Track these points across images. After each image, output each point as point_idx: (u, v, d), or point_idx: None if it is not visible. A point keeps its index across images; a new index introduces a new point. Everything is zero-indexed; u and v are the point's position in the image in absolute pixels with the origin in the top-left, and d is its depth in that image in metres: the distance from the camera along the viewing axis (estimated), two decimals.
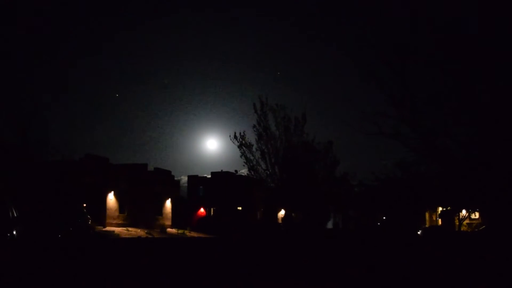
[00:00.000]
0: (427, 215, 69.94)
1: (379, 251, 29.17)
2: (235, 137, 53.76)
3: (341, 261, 21.14)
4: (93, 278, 14.79)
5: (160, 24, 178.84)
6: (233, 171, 72.08)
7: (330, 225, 76.02)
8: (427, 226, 66.24)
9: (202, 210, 70.30)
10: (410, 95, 16.93)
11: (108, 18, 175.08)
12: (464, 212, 58.37)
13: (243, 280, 15.02)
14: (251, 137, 54.04)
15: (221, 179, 71.80)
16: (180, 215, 63.03)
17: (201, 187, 72.77)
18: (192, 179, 74.67)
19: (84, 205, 45.76)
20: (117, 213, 52.28)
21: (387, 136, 18.15)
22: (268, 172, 54.34)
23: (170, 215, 61.67)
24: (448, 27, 16.39)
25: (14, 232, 32.01)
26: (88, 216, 42.69)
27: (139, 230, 50.11)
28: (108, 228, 48.10)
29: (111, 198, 51.60)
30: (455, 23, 16.45)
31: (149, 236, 46.36)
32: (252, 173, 54.77)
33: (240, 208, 70.68)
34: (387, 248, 32.76)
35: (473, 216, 62.19)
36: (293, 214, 63.07)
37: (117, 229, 47.94)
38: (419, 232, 57.32)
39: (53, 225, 37.87)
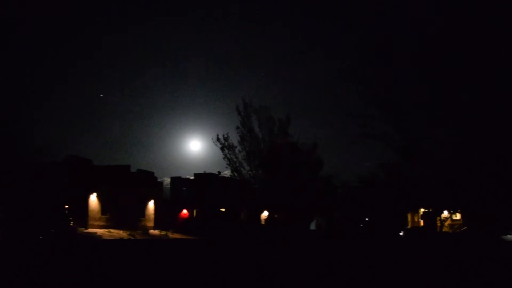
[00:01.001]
0: (409, 216, 70.25)
1: (359, 253, 29.29)
2: (218, 139, 53.67)
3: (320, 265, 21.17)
4: (73, 280, 14.66)
5: (143, 25, 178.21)
6: (216, 173, 72.02)
7: (313, 226, 76.19)
8: (409, 227, 66.57)
9: (185, 211, 69.99)
10: (395, 98, 17.04)
11: (92, 21, 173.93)
12: (446, 213, 58.79)
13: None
14: (234, 139, 53.99)
15: (204, 180, 71.58)
16: (163, 217, 62.72)
17: (184, 188, 72.47)
18: (175, 180, 74.38)
19: (66, 206, 45.41)
20: (99, 215, 51.91)
21: (372, 138, 18.25)
22: (252, 174, 54.35)
23: (153, 216, 61.35)
24: (430, 31, 16.53)
25: None
26: (70, 218, 42.42)
27: (121, 232, 49.80)
28: (90, 230, 47.76)
29: (93, 199, 51.24)
30: (435, 27, 16.60)
31: (132, 237, 46.11)
32: (235, 174, 54.73)
33: (223, 209, 70.53)
34: (367, 249, 32.91)
35: (454, 217, 62.60)
36: (276, 216, 63.12)
37: (99, 231, 47.63)
38: (401, 233, 57.62)
39: (34, 227, 37.58)
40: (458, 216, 62.62)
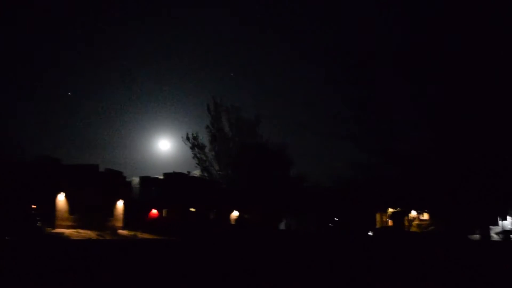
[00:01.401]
0: (378, 216, 71.03)
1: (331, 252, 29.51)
2: (188, 138, 53.39)
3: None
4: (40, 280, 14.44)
5: (113, 25, 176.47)
6: (186, 172, 71.73)
7: (283, 226, 76.41)
8: (378, 226, 67.29)
9: (154, 211, 69.50)
10: (369, 99, 17.17)
11: (64, 19, 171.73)
12: (414, 213, 59.59)
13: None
14: (204, 138, 53.80)
15: (174, 180, 71.16)
16: (132, 217, 62.17)
17: (153, 188, 71.91)
18: (144, 180, 73.75)
19: (34, 206, 44.75)
20: (67, 215, 51.22)
21: (343, 139, 18.35)
22: (221, 173, 54.26)
23: (121, 216, 60.78)
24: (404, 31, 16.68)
25: None
26: (37, 218, 41.84)
27: (90, 232, 49.24)
28: (58, 230, 47.09)
29: (61, 199, 50.55)
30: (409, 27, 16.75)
31: (100, 238, 45.67)
32: (205, 174, 54.58)
33: (193, 209, 70.27)
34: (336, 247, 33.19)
35: (422, 217, 63.51)
36: (245, 216, 63.16)
37: (67, 231, 47.01)
38: (370, 233, 58.24)
39: (0, 227, 36.99)
40: (425, 216, 63.53)
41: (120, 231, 55.79)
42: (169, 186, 70.58)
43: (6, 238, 35.92)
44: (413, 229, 60.45)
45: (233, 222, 70.14)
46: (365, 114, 16.72)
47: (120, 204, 60.77)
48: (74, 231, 47.95)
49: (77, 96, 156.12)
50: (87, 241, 39.85)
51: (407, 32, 16.04)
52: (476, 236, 49.95)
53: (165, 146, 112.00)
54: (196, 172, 61.00)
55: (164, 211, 70.38)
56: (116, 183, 60.92)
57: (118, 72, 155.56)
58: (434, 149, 17.28)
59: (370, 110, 16.60)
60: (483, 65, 14.77)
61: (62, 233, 45.14)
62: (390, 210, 65.71)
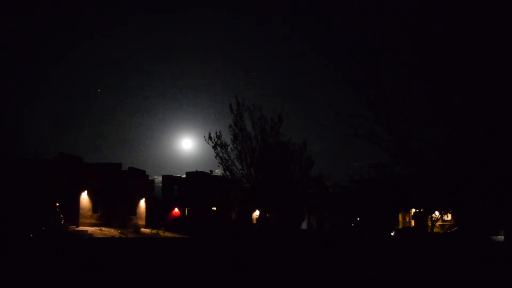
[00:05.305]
0: (400, 216, 70.49)
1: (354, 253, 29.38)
2: (210, 137, 53.34)
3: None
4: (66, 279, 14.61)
5: (135, 23, 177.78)
6: (208, 171, 71.98)
7: (304, 225, 76.30)
8: (400, 227, 66.78)
9: (176, 210, 69.99)
10: (385, 98, 17.06)
11: (85, 17, 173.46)
12: (437, 213, 58.97)
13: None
14: (226, 137, 53.70)
15: (196, 179, 71.57)
16: (154, 215, 62.70)
17: (175, 187, 72.45)
18: (167, 179, 74.33)
19: (57, 204, 45.28)
20: (90, 213, 51.81)
21: (362, 138, 18.22)
22: (243, 173, 54.02)
23: (144, 215, 61.29)
24: (419, 28, 16.51)
25: None
26: (61, 216, 42.32)
27: (112, 230, 49.76)
28: (81, 228, 47.67)
29: (84, 197, 51.11)
30: (425, 24, 16.59)
31: (123, 236, 46.08)
32: (227, 173, 54.45)
33: (214, 208, 70.52)
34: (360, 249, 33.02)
35: (445, 218, 62.85)
36: (267, 215, 63.05)
37: (90, 229, 47.53)
38: (392, 233, 57.81)
39: (25, 225, 37.49)
40: (449, 217, 62.85)
41: (143, 230, 56.22)
42: (191, 185, 71.00)
43: (31, 235, 36.45)
44: (436, 229, 59.84)
45: (254, 221, 70.22)
46: (383, 113, 16.58)
47: (142, 202, 61.26)
48: (97, 229, 48.48)
49: (101, 94, 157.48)
50: (111, 239, 40.19)
51: (425, 27, 15.89)
52: (500, 237, 49.25)
53: (187, 145, 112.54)
54: (218, 171, 61.01)
55: (186, 210, 70.81)
56: (139, 182, 61.41)
57: (142, 71, 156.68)
58: (456, 148, 17.16)
59: (388, 109, 16.48)
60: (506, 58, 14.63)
61: (86, 231, 45.67)
62: (413, 210, 65.11)
